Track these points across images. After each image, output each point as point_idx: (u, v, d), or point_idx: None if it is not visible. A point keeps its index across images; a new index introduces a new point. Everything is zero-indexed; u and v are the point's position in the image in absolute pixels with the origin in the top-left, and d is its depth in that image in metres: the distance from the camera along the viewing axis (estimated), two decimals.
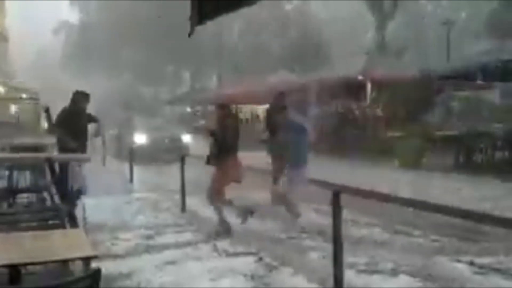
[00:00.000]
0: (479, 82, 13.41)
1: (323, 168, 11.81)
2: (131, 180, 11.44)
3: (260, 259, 5.41)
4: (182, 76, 41.68)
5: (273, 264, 5.24)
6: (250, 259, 5.42)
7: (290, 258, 5.42)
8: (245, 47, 34.48)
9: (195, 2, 2.41)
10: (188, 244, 6.04)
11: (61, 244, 3.16)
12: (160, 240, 6.27)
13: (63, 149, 7.04)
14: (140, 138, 16.00)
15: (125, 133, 16.89)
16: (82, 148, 7.23)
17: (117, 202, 8.77)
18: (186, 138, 16.99)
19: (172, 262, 5.29)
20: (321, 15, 33.28)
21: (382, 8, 25.14)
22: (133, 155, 12.00)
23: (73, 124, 7.28)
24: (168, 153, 14.35)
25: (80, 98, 7.56)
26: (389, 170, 11.62)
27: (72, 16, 44.63)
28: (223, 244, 6.00)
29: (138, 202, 8.94)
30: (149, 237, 6.36)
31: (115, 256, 5.46)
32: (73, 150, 6.82)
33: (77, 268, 3.08)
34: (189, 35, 2.68)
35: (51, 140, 7.63)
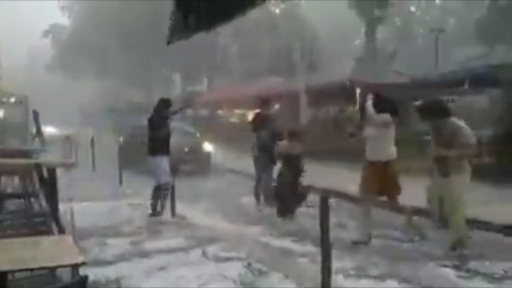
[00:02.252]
0: (467, 87, 13.54)
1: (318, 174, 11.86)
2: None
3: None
4: (174, 79, 41.61)
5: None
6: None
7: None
8: (235, 51, 34.57)
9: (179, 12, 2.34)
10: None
11: (49, 251, 3.16)
12: None
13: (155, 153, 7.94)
14: None
15: (136, 141, 14.46)
16: (167, 150, 8.05)
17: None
18: (208, 147, 15.21)
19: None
20: (309, 20, 33.37)
21: (372, 13, 25.32)
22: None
23: (158, 129, 7.96)
24: (189, 163, 12.67)
25: (161, 105, 8.16)
26: None
27: (62, 19, 44.49)
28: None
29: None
30: None
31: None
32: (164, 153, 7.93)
33: (65, 275, 3.08)
34: (168, 43, 2.64)
35: (38, 145, 7.62)
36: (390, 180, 6.16)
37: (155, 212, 7.97)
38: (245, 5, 2.21)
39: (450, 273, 5.06)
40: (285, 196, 7.88)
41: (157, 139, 7.98)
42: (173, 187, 8.15)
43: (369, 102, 6.23)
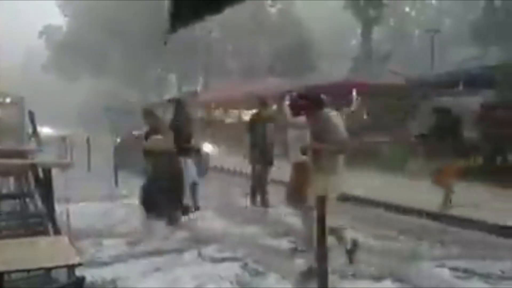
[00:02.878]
0: (462, 88, 13.59)
1: None
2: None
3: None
4: (169, 79, 41.56)
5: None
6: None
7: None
8: (230, 50, 34.60)
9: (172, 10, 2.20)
10: None
11: (45, 252, 3.15)
12: None
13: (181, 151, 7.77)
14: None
15: (132, 141, 14.34)
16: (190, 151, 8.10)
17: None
18: (207, 147, 14.84)
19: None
20: (305, 20, 33.39)
21: (367, 14, 25.38)
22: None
23: (181, 128, 7.94)
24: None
25: (178, 104, 8.32)
26: (370, 175, 11.69)
27: (59, 19, 44.36)
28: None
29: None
30: None
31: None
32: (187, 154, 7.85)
33: (62, 276, 3.07)
34: (165, 43, 2.51)
35: (34, 145, 7.59)
36: (307, 181, 5.86)
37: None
38: None
39: (446, 273, 5.08)
40: (157, 201, 7.16)
41: (181, 140, 7.93)
42: None
43: (286, 103, 6.01)
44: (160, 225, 7.19)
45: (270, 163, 8.72)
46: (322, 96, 5.33)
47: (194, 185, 8.10)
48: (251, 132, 8.78)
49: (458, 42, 33.41)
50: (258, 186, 8.78)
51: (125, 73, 37.76)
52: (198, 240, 6.50)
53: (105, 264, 5.45)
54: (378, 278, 4.95)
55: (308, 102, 5.19)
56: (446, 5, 41.45)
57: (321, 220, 4.28)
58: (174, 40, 31.06)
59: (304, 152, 5.28)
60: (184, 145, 7.94)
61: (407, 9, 45.17)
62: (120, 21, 32.97)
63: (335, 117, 5.08)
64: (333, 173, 4.96)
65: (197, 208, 8.08)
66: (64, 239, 3.82)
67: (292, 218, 7.91)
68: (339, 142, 4.92)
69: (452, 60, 28.71)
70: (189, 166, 8.02)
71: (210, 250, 6.03)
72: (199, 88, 37.56)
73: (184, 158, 7.97)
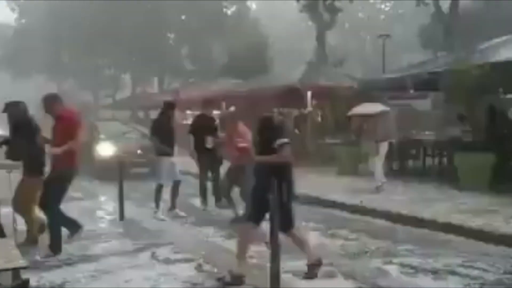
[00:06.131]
0: (412, 92, 14.04)
1: None
2: None
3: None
4: (123, 80, 40.72)
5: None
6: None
7: None
8: (186, 52, 34.36)
9: None
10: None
11: None
12: None
13: (160, 154, 8.23)
14: (105, 149, 13.09)
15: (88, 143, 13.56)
16: (172, 152, 8.31)
17: None
18: None
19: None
20: (261, 22, 33.52)
21: (321, 18, 25.76)
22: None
23: (164, 131, 8.20)
24: (142, 166, 12.88)
25: (166, 107, 8.47)
26: (325, 177, 11.88)
27: (8, 17, 42.67)
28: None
29: None
30: None
31: None
32: (168, 154, 8.17)
33: (6, 279, 2.97)
34: None
35: None
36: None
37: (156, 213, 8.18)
38: None
39: (393, 269, 5.22)
40: None
41: (160, 140, 8.13)
42: (121, 190, 8.04)
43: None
44: None
45: (220, 161, 8.73)
46: None
47: (177, 184, 8.40)
48: (193, 134, 8.68)
49: (408, 47, 34.53)
50: (213, 186, 8.76)
51: (77, 71, 36.74)
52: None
53: (53, 267, 5.30)
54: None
55: None
56: (398, 11, 42.70)
57: (274, 218, 4.36)
58: (129, 39, 30.61)
59: None
60: (168, 146, 8.12)
61: (360, 14, 46.31)
62: (72, 17, 32.07)
63: None
64: None
65: (174, 207, 8.35)
66: (9, 241, 3.71)
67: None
68: None
69: (404, 65, 29.63)
70: (173, 166, 8.28)
71: (162, 252, 5.97)
72: (152, 89, 37.16)
73: (169, 158, 8.18)
